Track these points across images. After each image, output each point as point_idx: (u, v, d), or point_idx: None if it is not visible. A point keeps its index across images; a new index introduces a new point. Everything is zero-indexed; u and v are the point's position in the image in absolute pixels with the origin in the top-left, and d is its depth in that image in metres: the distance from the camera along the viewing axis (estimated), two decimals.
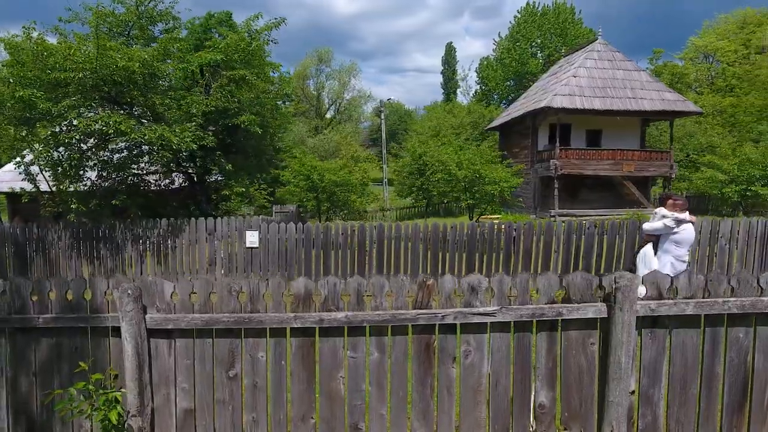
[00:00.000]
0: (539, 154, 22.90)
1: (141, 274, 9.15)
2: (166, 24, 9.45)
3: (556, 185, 21.21)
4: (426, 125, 27.55)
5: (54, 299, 3.43)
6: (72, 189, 8.74)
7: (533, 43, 43.43)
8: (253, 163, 10.54)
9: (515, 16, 46.09)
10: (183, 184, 10.94)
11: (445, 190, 15.56)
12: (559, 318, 3.18)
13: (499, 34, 49.01)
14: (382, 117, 36.09)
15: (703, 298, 3.14)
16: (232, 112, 9.32)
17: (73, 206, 8.35)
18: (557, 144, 21.12)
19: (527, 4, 45.42)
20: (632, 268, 8.66)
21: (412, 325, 3.28)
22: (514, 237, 8.68)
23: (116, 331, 3.38)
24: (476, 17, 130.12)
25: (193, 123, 8.66)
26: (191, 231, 9.01)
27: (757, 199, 16.17)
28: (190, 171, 9.57)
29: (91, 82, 7.47)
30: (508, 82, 44.89)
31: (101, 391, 3.19)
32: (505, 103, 43.97)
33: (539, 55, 43.80)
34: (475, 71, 49.13)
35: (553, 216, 21.25)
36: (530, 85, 44.02)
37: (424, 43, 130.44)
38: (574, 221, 20.80)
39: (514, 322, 3.23)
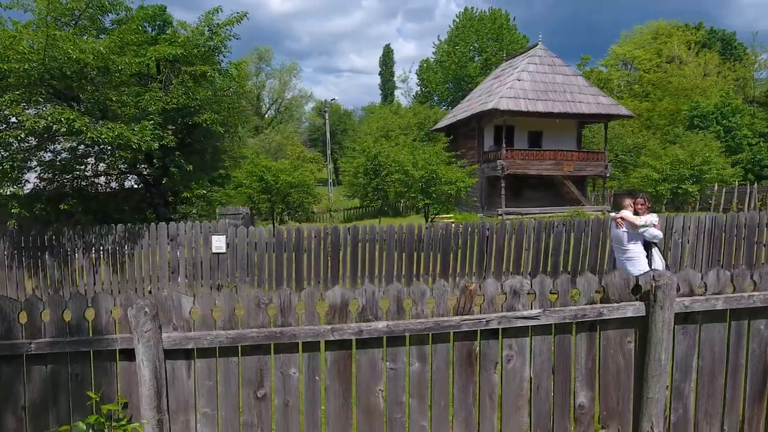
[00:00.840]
0: (485, 155, 23.57)
1: (94, 285, 8.36)
2: (118, 14, 8.69)
3: (503, 184, 21.91)
4: (374, 125, 27.56)
5: (48, 320, 2.99)
6: (11, 192, 7.80)
7: (471, 47, 44.70)
8: (209, 163, 9.95)
9: (454, 20, 47.30)
10: (134, 186, 10.14)
11: (402, 191, 15.58)
12: (600, 318, 3.19)
13: (438, 37, 50.19)
14: (326, 117, 35.69)
15: (731, 293, 3.27)
16: (191, 110, 8.74)
17: (14, 211, 7.45)
18: (503, 145, 21.83)
19: (465, 9, 46.75)
20: (595, 267, 9.05)
21: (454, 332, 3.16)
22: (488, 236, 8.79)
23: (125, 354, 3.01)
24: (409, 19, 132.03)
25: (151, 121, 8.02)
26: (151, 237, 8.35)
27: (687, 196, 17.63)
28: (146, 173, 8.85)
29: (36, 75, 6.69)
30: (448, 85, 45.91)
31: (115, 424, 2.82)
32: (445, 105, 44.93)
33: (477, 59, 45.15)
34: (416, 73, 49.90)
35: (500, 214, 21.94)
36: (470, 88, 45.35)
37: (358, 44, 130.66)
38: (519, 218, 21.50)
39: (556, 324, 3.21)
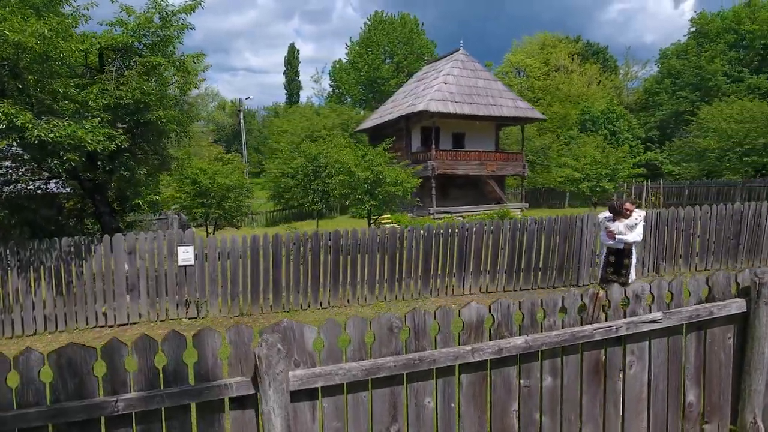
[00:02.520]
0: (413, 155, 23.91)
1: (33, 309, 7.02)
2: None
3: (434, 184, 22.37)
4: (298, 126, 26.69)
5: (136, 370, 2.35)
6: None
7: (383, 50, 45.24)
8: (159, 166, 8.82)
9: (365, 23, 47.53)
10: (58, 191, 8.68)
11: (346, 192, 15.21)
12: (710, 317, 3.24)
13: (350, 39, 49.96)
14: (241, 117, 33.93)
15: None
16: (143, 107, 7.67)
17: None
18: (433, 146, 22.30)
19: (376, 12, 47.21)
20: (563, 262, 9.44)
21: (583, 343, 3.03)
22: (467, 237, 8.82)
23: (238, 402, 2.47)
24: (307, 21, 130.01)
25: (98, 118, 6.89)
26: (105, 250, 7.19)
27: (604, 193, 19.43)
28: (87, 177, 7.57)
29: None
30: (361, 86, 46.02)
31: None
32: (359, 106, 44.96)
33: (388, 61, 45.77)
34: (329, 74, 49.36)
35: (432, 214, 22.41)
36: (383, 89, 45.92)
37: (255, 43, 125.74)
38: (450, 217, 22.00)
39: (672, 326, 3.21)
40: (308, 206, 16.90)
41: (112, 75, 7.44)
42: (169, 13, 8.09)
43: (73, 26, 6.86)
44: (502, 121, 25.10)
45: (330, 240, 8.14)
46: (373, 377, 2.63)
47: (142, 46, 8.04)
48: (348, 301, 8.39)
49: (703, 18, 52.13)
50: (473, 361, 2.76)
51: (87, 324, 7.30)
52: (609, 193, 19.07)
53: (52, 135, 5.97)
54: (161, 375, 2.38)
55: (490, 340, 2.84)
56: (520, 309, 2.91)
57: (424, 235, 8.57)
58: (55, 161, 6.64)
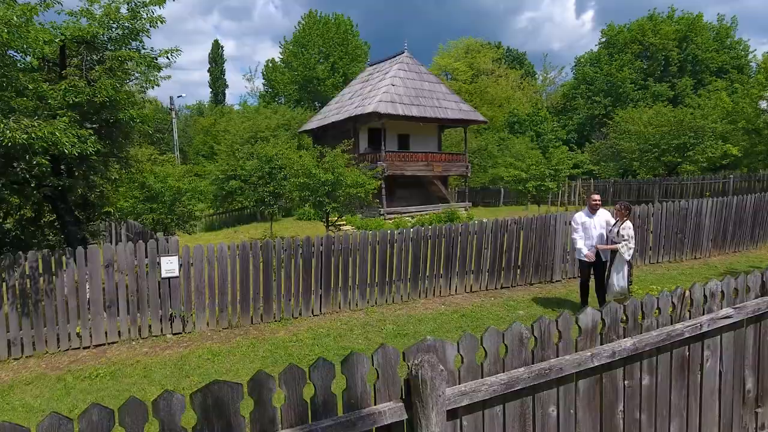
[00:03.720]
0: (361, 156, 23.83)
1: None
2: None
3: (384, 185, 22.43)
4: (240, 126, 25.52)
5: (284, 404, 2.12)
6: None
7: (318, 50, 44.68)
8: (127, 169, 8.03)
9: (299, 22, 46.65)
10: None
11: (305, 195, 14.83)
12: None
13: (284, 38, 48.65)
14: (174, 116, 31.97)
15: None
16: (114, 105, 6.96)
17: None
18: (383, 147, 22.36)
19: (310, 11, 46.49)
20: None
21: (674, 341, 3.16)
22: (453, 238, 8.93)
23: (385, 430, 2.31)
24: (226, 17, 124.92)
25: (65, 117, 6.15)
26: (79, 264, 6.44)
27: (548, 191, 20.54)
28: (50, 183, 6.68)
29: None
30: (295, 86, 45.12)
31: None
32: (293, 106, 44.01)
33: (324, 62, 45.26)
34: (262, 73, 47.84)
35: (382, 215, 22.46)
36: (320, 90, 45.35)
37: (172, 39, 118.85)
38: (400, 218, 22.18)
39: (738, 320, 3.44)
40: (265, 209, 16.26)
41: (74, 70, 6.69)
42: (138, 3, 7.43)
43: (35, 13, 6.07)
44: (446, 123, 25.71)
45: (322, 245, 7.89)
46: (509, 391, 2.56)
47: (108, 39, 7.32)
48: (339, 307, 8.19)
49: (611, 29, 56.63)
50: (591, 366, 2.79)
51: (59, 347, 6.53)
52: (552, 191, 20.24)
53: (25, 136, 5.25)
54: (309, 407, 2.17)
55: (601, 344, 2.88)
56: (624, 312, 2.98)
57: (413, 237, 8.57)
58: (22, 166, 5.85)
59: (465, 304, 8.62)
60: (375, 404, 2.28)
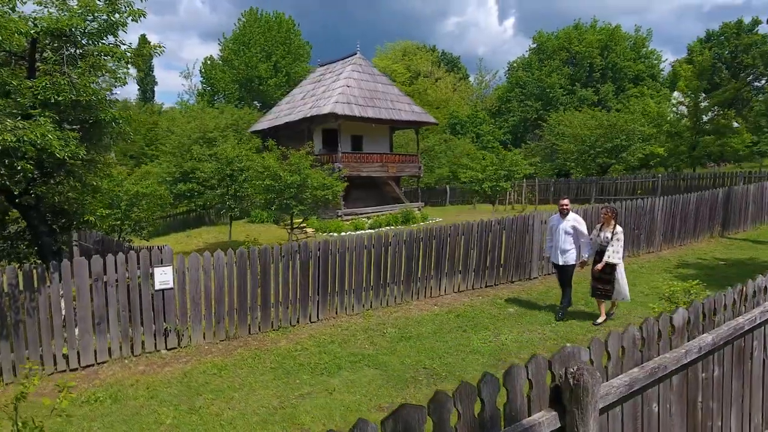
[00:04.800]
0: (316, 158, 23.49)
1: None
2: None
3: None
4: (187, 126, 24.14)
5: (458, 423, 2.07)
6: None
7: (261, 49, 43.48)
8: (98, 173, 7.33)
9: (239, 19, 45.14)
10: None
11: (271, 198, 14.39)
12: None
13: (223, 35, 46.64)
14: None
15: None
16: (95, 104, 6.38)
17: None
18: (339, 148, 22.18)
19: (251, 9, 45.09)
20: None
21: (737, 334, 3.41)
22: (443, 239, 9.04)
23: None
24: (149, 11, 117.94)
25: (47, 118, 5.55)
26: (65, 278, 5.85)
27: (503, 191, 21.29)
28: (31, 192, 5.96)
29: None
30: (236, 85, 43.63)
31: None
32: (234, 105, 42.52)
33: (265, 61, 44.08)
34: (200, 71, 45.73)
35: (340, 216, 22.29)
36: (262, 89, 44.12)
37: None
38: (356, 218, 22.17)
39: None
40: (226, 212, 15.59)
41: (54, 66, 6.08)
42: None
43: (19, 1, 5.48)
44: (400, 125, 25.94)
45: (319, 249, 7.72)
46: (629, 391, 2.65)
47: (83, 32, 6.71)
48: (336, 312, 8.04)
49: (541, 36, 59.69)
50: (684, 362, 2.95)
51: (44, 370, 5.90)
52: (506, 191, 21.07)
53: (14, 138, 4.72)
54: (478, 422, 2.13)
55: (688, 340, 3.05)
56: (703, 309, 3.18)
57: (406, 240, 8.59)
58: (2, 172, 5.24)
59: (456, 304, 8.76)
60: (530, 415, 2.27)
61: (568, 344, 2.51)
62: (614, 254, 7.29)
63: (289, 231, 16.08)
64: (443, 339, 7.12)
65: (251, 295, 7.21)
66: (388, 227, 21.93)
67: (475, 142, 47.53)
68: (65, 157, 5.29)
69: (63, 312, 5.92)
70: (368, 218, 22.98)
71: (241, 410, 5.19)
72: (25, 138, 4.71)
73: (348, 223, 21.68)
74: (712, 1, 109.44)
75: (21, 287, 5.67)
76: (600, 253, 7.44)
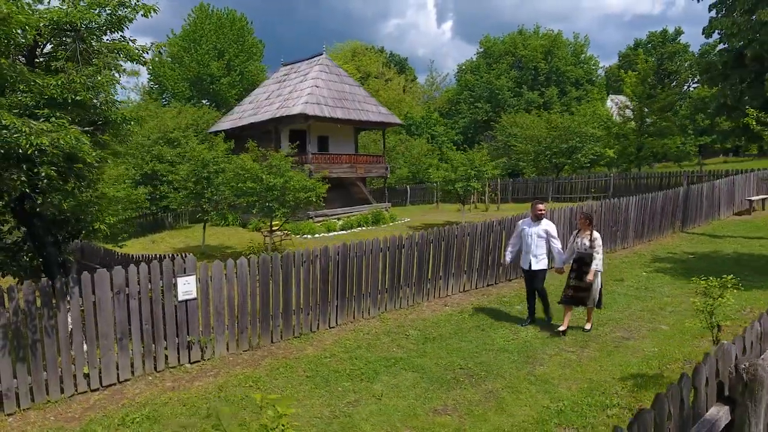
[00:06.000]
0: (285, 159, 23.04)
1: None
2: None
3: None
4: (145, 126, 22.82)
5: (675, 417, 2.13)
6: None
7: (213, 46, 41.99)
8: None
9: (189, 15, 43.35)
10: None
11: (252, 201, 13.95)
12: None
13: (172, 31, 44.64)
14: None
15: None
16: (107, 102, 5.94)
17: None
18: (309, 149, 21.85)
19: (201, 4, 43.40)
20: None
21: None
22: (450, 240, 9.14)
23: None
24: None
25: (65, 119, 5.10)
26: (86, 293, 5.40)
27: (473, 191, 21.74)
28: (49, 200, 5.41)
29: None
30: (186, 83, 41.88)
31: None
32: (185, 103, 40.81)
33: (217, 59, 42.63)
34: (147, 69, 43.36)
35: (311, 217, 21.95)
36: (215, 88, 42.57)
37: None
38: (327, 219, 21.92)
39: None
40: (200, 216, 14.94)
41: (71, 64, 5.62)
42: None
43: None
44: (368, 126, 25.91)
45: (338, 254, 7.59)
46: None
47: (90, 26, 6.25)
48: (354, 317, 7.95)
49: (488, 41, 61.54)
50: None
51: (63, 392, 5.44)
52: (477, 191, 21.58)
53: (47, 141, 4.33)
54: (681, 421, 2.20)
55: None
56: None
57: (418, 242, 8.61)
58: (22, 179, 4.79)
59: (465, 304, 8.88)
60: (707, 410, 2.37)
61: (725, 341, 2.63)
62: (600, 262, 6.97)
63: (266, 234, 15.67)
64: (466, 339, 7.20)
65: (274, 303, 6.98)
66: (359, 228, 21.86)
67: (430, 143, 48.29)
68: (95, 162, 4.90)
69: (84, 329, 5.48)
70: (338, 219, 22.79)
71: (296, 422, 5.01)
72: (61, 142, 4.32)
73: (319, 224, 21.40)
74: (632, 11, 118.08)
75: (39, 304, 5.19)
76: (577, 260, 7.06)
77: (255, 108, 24.90)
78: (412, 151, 42.99)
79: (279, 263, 6.97)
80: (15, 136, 4.14)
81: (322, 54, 25.32)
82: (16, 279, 6.36)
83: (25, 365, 5.18)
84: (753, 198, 18.03)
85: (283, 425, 2.47)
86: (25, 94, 4.79)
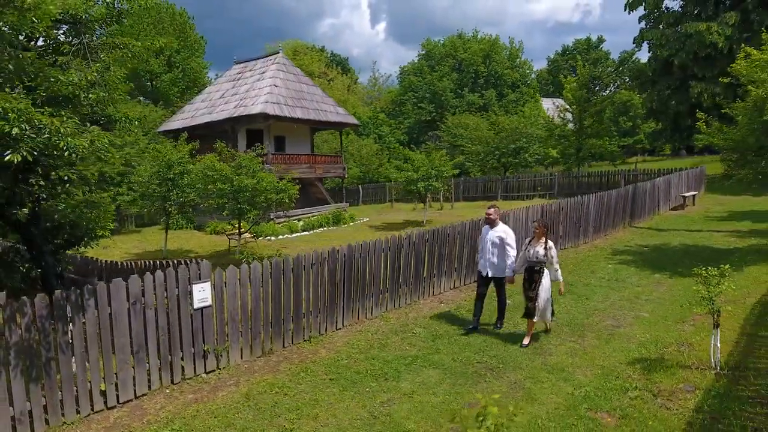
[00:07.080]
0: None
1: None
2: None
3: None
4: None
5: None
6: None
7: (153, 42, 39.82)
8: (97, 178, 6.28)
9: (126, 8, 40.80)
10: None
11: (223, 203, 13.47)
12: None
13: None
14: None
15: None
16: (112, 100, 5.57)
17: None
18: (270, 149, 21.35)
19: None
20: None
21: None
22: (443, 239, 9.35)
23: None
24: None
25: (75, 118, 4.75)
26: (101, 304, 5.03)
27: (436, 190, 22.13)
28: (60, 206, 4.93)
29: None
30: (126, 81, 39.43)
31: None
32: (134, 102, 38.47)
33: (158, 55, 40.51)
34: None
35: (272, 218, 21.48)
36: (156, 85, 40.43)
37: None
38: (288, 221, 21.61)
39: None
40: (164, 219, 14.19)
41: (80, 60, 5.25)
42: None
43: None
44: (326, 126, 25.70)
45: (345, 255, 7.57)
46: None
47: (93, 19, 5.87)
48: (358, 318, 7.96)
49: (429, 43, 62.83)
50: None
51: (79, 413, 5.06)
52: (438, 189, 22.04)
53: (86, 143, 4.05)
54: None
55: None
56: None
57: (416, 241, 8.74)
58: (39, 181, 4.44)
59: (459, 300, 9.12)
60: None
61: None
62: (559, 271, 6.86)
63: (231, 237, 15.21)
64: (472, 334, 7.41)
65: (285, 307, 6.85)
66: (321, 229, 21.67)
67: (377, 143, 48.65)
68: (120, 164, 4.61)
69: (100, 343, 5.13)
70: (299, 220, 22.47)
71: (338, 426, 5.00)
72: (97, 143, 4.03)
73: (281, 225, 20.99)
74: (554, 18, 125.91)
75: (52, 319, 4.80)
76: (528, 269, 6.74)
77: (209, 107, 23.99)
78: (361, 151, 43.13)
79: (291, 266, 6.84)
80: (45, 137, 3.82)
81: (278, 53, 24.82)
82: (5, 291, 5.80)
83: (38, 385, 4.77)
84: (686, 194, 19.76)
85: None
86: (39, 92, 4.40)
